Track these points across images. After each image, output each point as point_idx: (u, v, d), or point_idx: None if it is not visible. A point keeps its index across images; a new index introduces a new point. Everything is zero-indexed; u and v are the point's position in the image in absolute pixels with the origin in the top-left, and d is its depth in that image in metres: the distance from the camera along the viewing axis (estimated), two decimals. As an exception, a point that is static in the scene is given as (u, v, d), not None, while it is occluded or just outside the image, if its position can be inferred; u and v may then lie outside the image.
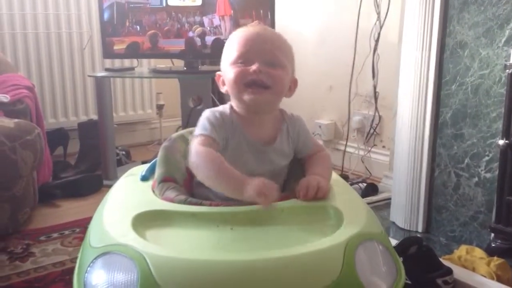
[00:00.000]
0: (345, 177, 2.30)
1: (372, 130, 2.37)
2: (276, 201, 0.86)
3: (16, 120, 1.76)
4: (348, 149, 2.46)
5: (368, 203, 1.94)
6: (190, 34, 2.19)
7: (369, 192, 2.11)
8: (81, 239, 1.68)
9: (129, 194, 0.96)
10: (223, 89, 0.98)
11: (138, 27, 2.23)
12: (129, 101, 2.92)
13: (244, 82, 0.92)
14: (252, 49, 0.92)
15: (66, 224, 1.85)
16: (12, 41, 2.50)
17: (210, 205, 0.87)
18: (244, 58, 0.92)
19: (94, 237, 0.81)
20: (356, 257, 0.73)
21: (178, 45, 2.21)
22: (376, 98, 2.30)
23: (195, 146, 0.91)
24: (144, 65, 2.70)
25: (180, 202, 0.87)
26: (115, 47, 2.25)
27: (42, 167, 1.98)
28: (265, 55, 0.92)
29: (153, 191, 0.94)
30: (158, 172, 0.97)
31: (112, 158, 2.34)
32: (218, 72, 1.00)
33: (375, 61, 2.23)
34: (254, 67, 0.90)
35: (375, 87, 2.28)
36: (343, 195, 0.94)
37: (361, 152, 2.43)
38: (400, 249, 1.39)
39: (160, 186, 0.94)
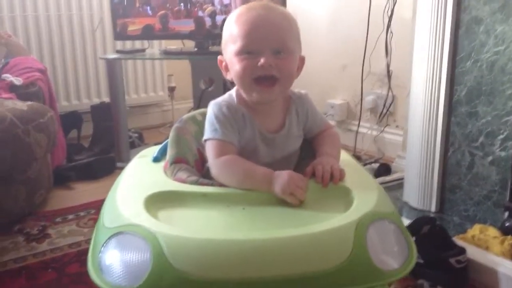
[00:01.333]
0: (357, 157, 2.29)
1: (385, 110, 2.34)
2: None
3: (29, 102, 1.77)
4: (360, 129, 2.44)
5: (381, 184, 1.93)
6: (200, 13, 2.17)
7: (382, 173, 2.10)
8: (96, 220, 1.71)
9: (141, 175, 0.97)
10: (228, 76, 0.94)
11: (148, 7, 2.22)
12: (141, 84, 2.92)
13: (252, 77, 0.88)
14: (258, 37, 0.86)
15: (81, 206, 1.87)
16: (24, 24, 2.50)
17: (222, 185, 0.87)
18: (250, 49, 0.87)
19: (108, 217, 0.82)
20: (367, 236, 0.73)
21: (188, 25, 2.19)
22: (389, 77, 2.27)
23: (213, 159, 0.89)
24: (155, 47, 2.70)
25: (192, 182, 0.87)
26: (129, 28, 2.24)
27: (56, 150, 2.00)
28: (272, 43, 0.87)
29: (165, 172, 0.95)
30: (169, 153, 0.98)
31: (125, 141, 2.35)
32: (219, 57, 0.95)
33: (388, 39, 2.19)
34: (262, 61, 0.85)
35: (388, 66, 2.25)
36: (354, 175, 0.93)
37: (374, 132, 2.41)
38: (413, 228, 1.38)
39: (172, 167, 0.94)
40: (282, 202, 0.82)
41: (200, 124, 1.03)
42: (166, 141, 1.03)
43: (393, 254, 0.76)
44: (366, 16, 2.26)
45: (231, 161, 0.87)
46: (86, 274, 1.36)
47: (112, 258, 0.72)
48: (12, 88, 1.84)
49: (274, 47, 0.87)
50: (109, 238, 0.74)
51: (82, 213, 1.81)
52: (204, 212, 0.80)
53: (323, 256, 0.70)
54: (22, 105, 1.71)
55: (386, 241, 0.77)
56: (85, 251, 1.48)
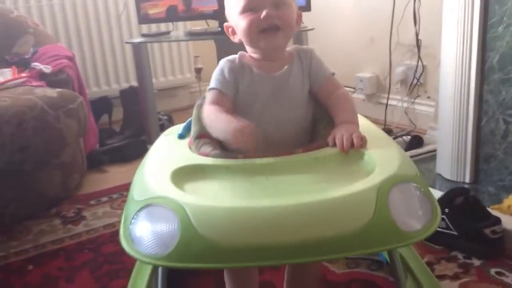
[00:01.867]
0: (388, 130, 2.25)
1: (415, 81, 2.28)
2: (307, 150, 0.89)
3: (58, 89, 1.81)
4: (391, 102, 2.39)
5: (413, 156, 1.91)
6: (224, -8, 2.15)
7: (414, 145, 2.06)
8: (129, 201, 1.74)
9: (167, 151, 1.00)
10: (235, 39, 1.00)
11: (171, -12, 2.21)
12: (168, 66, 2.94)
13: (257, 30, 0.94)
14: None
15: (114, 188, 1.92)
16: (50, 13, 2.54)
17: (245, 157, 0.89)
18: (252, 5, 0.94)
19: (137, 191, 0.84)
20: (389, 198, 0.74)
21: (212, 4, 2.18)
22: (419, 47, 2.21)
23: (206, 104, 0.97)
24: (180, 29, 2.70)
25: (215, 156, 0.90)
26: (151, 11, 2.24)
27: (88, 135, 2.05)
28: None
29: (190, 148, 0.98)
30: (193, 129, 1.00)
31: (154, 123, 2.38)
32: (225, 24, 1.02)
33: (416, 8, 2.13)
34: (264, 13, 0.92)
35: (417, 35, 2.18)
36: (376, 140, 0.93)
37: (405, 104, 2.36)
38: (446, 200, 1.36)
39: (196, 142, 0.97)
40: (304, 171, 0.84)
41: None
42: (190, 119, 1.06)
43: (416, 216, 0.76)
44: (393, -15, 2.20)
45: (216, 111, 0.93)
46: (120, 254, 1.41)
47: (142, 229, 0.75)
48: (42, 76, 1.88)
49: (273, 1, 0.94)
50: (139, 210, 0.77)
51: (115, 195, 1.85)
52: (228, 183, 0.83)
53: (346, 220, 0.71)
54: (52, 92, 1.75)
55: (408, 203, 0.78)
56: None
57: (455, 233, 1.33)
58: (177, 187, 0.79)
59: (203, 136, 0.97)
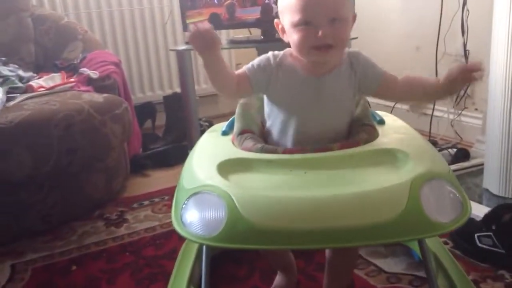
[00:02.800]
0: (433, 142, 2.19)
1: (462, 92, 2.22)
2: (344, 147, 0.94)
3: (105, 95, 1.86)
4: (436, 113, 2.34)
5: (459, 170, 1.85)
6: (266, 0, 2.16)
7: (460, 158, 1.99)
8: (170, 206, 1.76)
9: (212, 147, 1.07)
10: (285, 38, 1.00)
11: (214, -3, 2.24)
12: (210, 73, 2.96)
13: (309, 45, 0.93)
14: (314, 9, 0.91)
15: (156, 192, 1.95)
16: (99, 20, 2.63)
17: (285, 151, 0.95)
18: (307, 20, 0.92)
19: (186, 180, 0.92)
20: (421, 192, 0.79)
21: (255, 13, 2.19)
22: (466, 57, 2.15)
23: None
24: (223, 36, 2.72)
25: (257, 150, 0.96)
26: (194, 20, 2.28)
27: (132, 139, 2.09)
28: (327, 13, 0.91)
29: (233, 143, 1.04)
30: (236, 126, 1.06)
31: (196, 129, 2.40)
32: (276, 20, 1.01)
33: (464, 17, 2.07)
34: (320, 33, 0.91)
35: (465, 45, 2.12)
36: (409, 140, 0.99)
37: (451, 116, 2.29)
38: (493, 216, 1.31)
39: (239, 138, 1.02)
40: (341, 166, 0.89)
41: (262, 100, 1.10)
42: (233, 117, 1.13)
43: (446, 209, 0.81)
44: (440, -6, 2.15)
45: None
46: (160, 257, 1.43)
47: (192, 213, 0.83)
48: (89, 81, 1.93)
49: (330, 16, 0.92)
50: (189, 197, 0.85)
51: (156, 199, 1.88)
52: (269, 175, 0.89)
53: (379, 211, 0.77)
54: (98, 97, 1.80)
55: (439, 197, 0.82)
56: (160, 235, 1.56)
57: (502, 251, 1.28)
58: (223, 177, 0.86)
59: (246, 131, 1.04)
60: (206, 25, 0.89)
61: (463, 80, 0.94)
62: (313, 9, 0.91)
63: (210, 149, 1.05)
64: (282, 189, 0.84)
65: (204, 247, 1.03)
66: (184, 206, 0.84)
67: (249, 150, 0.96)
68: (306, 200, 0.78)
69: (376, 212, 0.76)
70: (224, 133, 1.12)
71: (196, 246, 1.29)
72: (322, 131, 0.99)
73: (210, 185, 0.84)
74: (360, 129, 1.00)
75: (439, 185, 0.83)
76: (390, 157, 0.91)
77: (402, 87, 1.01)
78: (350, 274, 1.18)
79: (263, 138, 1.05)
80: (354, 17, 1.00)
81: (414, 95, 1.02)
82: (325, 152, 0.92)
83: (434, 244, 1.26)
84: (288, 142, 1.01)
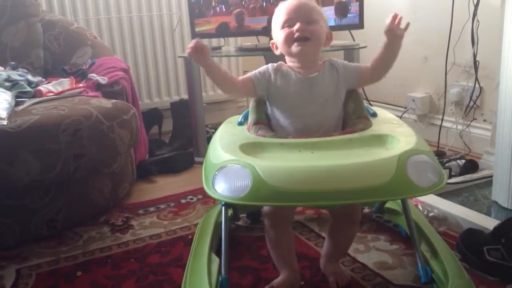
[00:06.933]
0: (441, 153, 2.18)
1: (472, 103, 2.21)
2: (342, 134, 1.15)
3: (113, 100, 1.86)
4: (445, 124, 2.32)
5: (468, 181, 1.83)
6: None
7: (468, 169, 1.96)
8: (176, 213, 1.78)
9: (232, 133, 1.25)
10: (277, 52, 1.26)
11: (223, 6, 2.25)
12: (218, 80, 2.97)
13: (291, 39, 1.19)
14: (293, 15, 1.20)
15: (161, 199, 1.94)
16: (108, 26, 2.64)
17: (294, 137, 1.15)
18: (288, 23, 1.20)
19: (213, 156, 1.10)
20: (407, 163, 0.98)
21: (263, 22, 2.20)
22: (476, 68, 2.13)
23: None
24: (231, 44, 2.73)
25: (271, 137, 1.16)
26: (203, 28, 2.29)
27: (139, 145, 2.09)
28: (303, 17, 1.19)
29: (249, 131, 1.22)
30: (251, 117, 1.26)
31: (202, 136, 2.41)
32: (271, 41, 1.28)
33: (474, 28, 2.06)
34: (297, 26, 1.18)
35: (475, 56, 2.11)
36: (398, 128, 1.19)
37: (460, 127, 2.28)
38: (502, 230, 1.30)
39: (254, 127, 1.22)
40: (342, 147, 1.09)
41: None
42: (247, 110, 1.31)
43: (426, 177, 1.00)
44: (450, 4, 2.14)
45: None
46: (165, 265, 1.42)
47: (222, 182, 1.01)
48: (98, 87, 1.94)
49: (305, 19, 1.20)
50: (218, 169, 1.03)
51: (162, 206, 1.87)
52: (283, 153, 1.08)
53: (373, 177, 0.96)
54: (107, 103, 1.80)
55: (421, 168, 1.01)
56: (165, 243, 1.56)
57: (511, 264, 1.26)
58: (245, 154, 1.05)
59: (259, 122, 1.24)
60: (195, 40, 1.15)
61: (393, 34, 1.21)
62: (292, 15, 1.20)
63: (230, 135, 1.23)
64: (294, 161, 1.03)
65: (223, 217, 1.20)
66: (214, 176, 1.02)
67: (264, 136, 1.17)
68: (316, 168, 0.98)
69: (372, 177, 0.96)
70: (240, 123, 1.31)
71: (213, 220, 1.51)
72: (316, 123, 1.19)
73: (236, 160, 1.02)
74: (356, 121, 1.22)
75: (421, 159, 1.02)
76: (382, 141, 1.12)
77: (374, 68, 1.24)
78: (348, 245, 1.36)
79: (272, 129, 1.25)
80: (330, 34, 1.26)
81: (384, 67, 1.24)
82: (328, 137, 1.12)
83: (416, 216, 1.44)
84: (288, 136, 1.18)
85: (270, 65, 1.25)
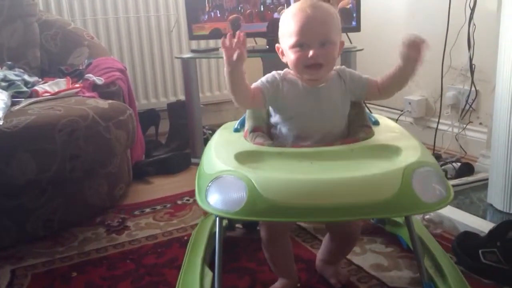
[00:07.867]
0: (437, 156, 2.18)
1: (467, 106, 2.22)
2: (345, 143, 1.10)
3: (110, 101, 1.85)
4: (440, 127, 2.33)
5: (463, 184, 1.84)
6: (275, 15, 2.15)
7: (464, 172, 1.98)
8: (172, 214, 1.78)
9: (228, 140, 1.20)
10: (284, 60, 1.17)
11: (218, 11, 2.23)
12: (214, 82, 2.98)
13: (303, 65, 1.10)
14: (307, 34, 1.08)
15: (158, 200, 1.94)
16: (105, 26, 2.63)
17: (292, 146, 1.11)
18: (301, 43, 1.09)
19: (207, 166, 1.05)
20: (412, 177, 0.92)
21: (262, 29, 2.18)
22: (472, 71, 2.14)
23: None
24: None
25: (268, 145, 1.11)
26: (197, 33, 2.29)
27: (135, 146, 2.09)
28: (318, 37, 1.08)
29: (246, 139, 1.17)
30: (248, 124, 1.20)
31: (199, 137, 2.41)
32: (277, 45, 1.18)
33: (471, 31, 2.07)
34: (311, 53, 1.08)
35: (471, 59, 2.12)
36: (401, 137, 1.15)
37: (455, 130, 2.29)
38: (498, 233, 1.30)
39: (251, 135, 1.17)
40: (343, 158, 1.03)
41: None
42: (244, 115, 1.24)
43: (434, 192, 0.94)
44: (446, 8, 2.15)
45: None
46: (160, 266, 1.42)
47: (216, 194, 0.95)
48: (94, 87, 1.93)
49: (320, 40, 1.09)
50: (212, 180, 0.97)
51: (158, 207, 1.87)
52: (280, 164, 1.02)
53: (377, 191, 0.90)
54: (103, 104, 1.80)
55: (427, 182, 0.95)
56: (161, 244, 1.56)
57: (506, 267, 1.27)
58: (241, 164, 0.99)
59: (257, 129, 1.18)
60: (242, 37, 1.03)
61: (414, 55, 1.07)
62: (306, 33, 1.08)
63: (226, 143, 1.18)
64: (293, 173, 0.96)
65: (217, 229, 1.12)
66: (207, 188, 0.96)
67: (261, 145, 1.11)
68: (315, 181, 0.92)
69: (375, 192, 0.90)
70: (236, 130, 1.25)
71: (208, 230, 1.44)
72: (321, 133, 1.13)
73: (231, 170, 0.96)
74: (358, 130, 1.17)
75: (427, 172, 0.96)
76: (385, 151, 1.05)
77: (383, 87, 1.16)
78: (347, 253, 1.35)
79: (270, 137, 1.19)
80: (342, 43, 1.17)
81: (393, 88, 1.15)
82: (329, 147, 1.07)
83: (420, 229, 1.38)
84: (289, 144, 1.14)
85: (276, 73, 1.17)
